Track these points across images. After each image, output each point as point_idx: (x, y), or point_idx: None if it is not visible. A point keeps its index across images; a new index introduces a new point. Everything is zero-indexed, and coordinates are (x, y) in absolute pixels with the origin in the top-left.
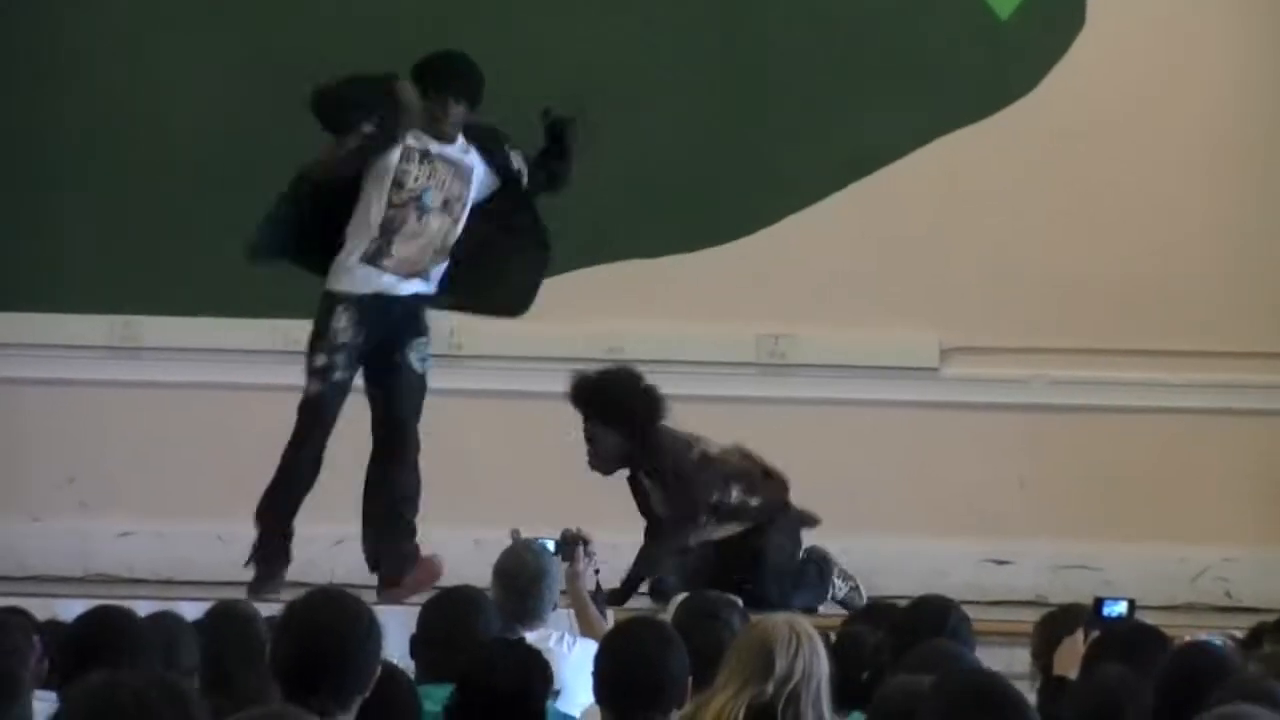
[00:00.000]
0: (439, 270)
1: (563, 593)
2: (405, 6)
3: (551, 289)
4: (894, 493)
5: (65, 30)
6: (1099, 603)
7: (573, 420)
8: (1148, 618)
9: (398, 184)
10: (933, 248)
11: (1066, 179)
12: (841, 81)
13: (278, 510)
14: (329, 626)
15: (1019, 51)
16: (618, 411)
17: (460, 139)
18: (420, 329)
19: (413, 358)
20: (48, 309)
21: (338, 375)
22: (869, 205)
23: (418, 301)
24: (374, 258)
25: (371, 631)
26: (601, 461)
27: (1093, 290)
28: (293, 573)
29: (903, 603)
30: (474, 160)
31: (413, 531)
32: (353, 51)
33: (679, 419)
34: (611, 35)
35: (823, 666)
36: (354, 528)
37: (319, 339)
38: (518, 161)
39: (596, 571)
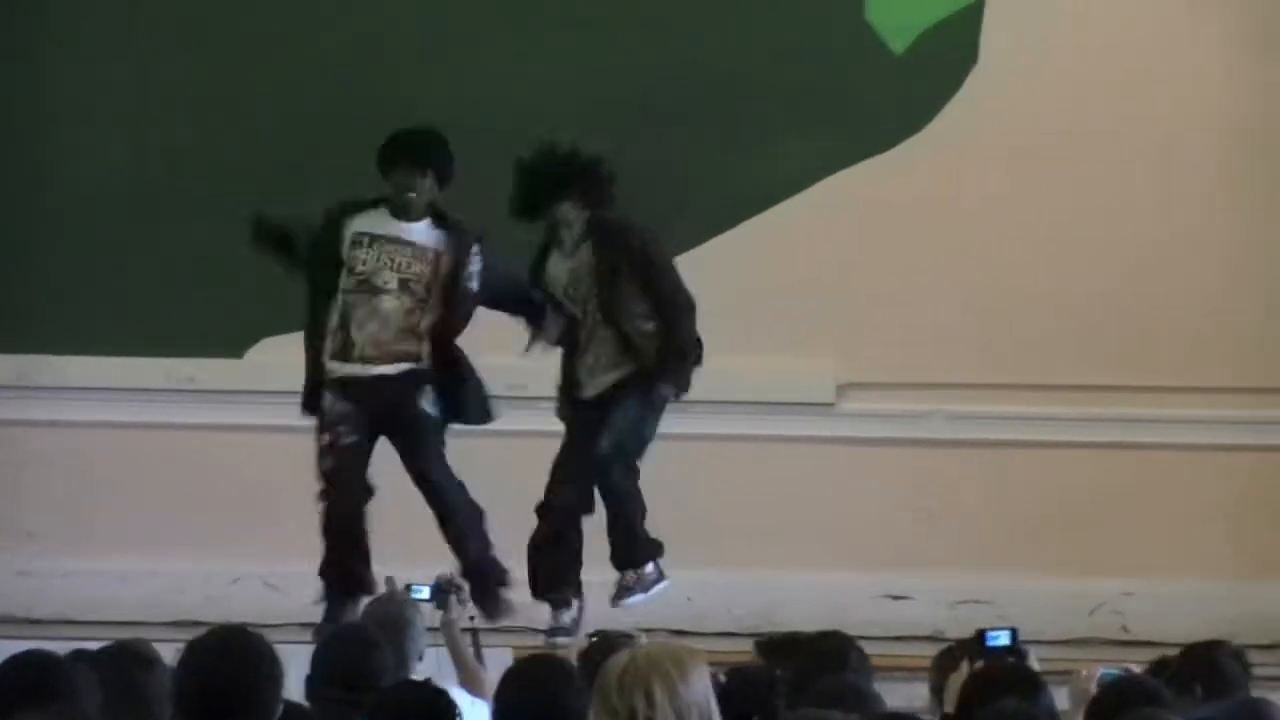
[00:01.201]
0: (412, 358)
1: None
2: (385, 51)
3: None
4: (792, 528)
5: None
6: (981, 634)
7: None
8: (1045, 652)
9: (348, 270)
10: (829, 282)
11: (963, 213)
12: (740, 113)
13: (339, 566)
14: (230, 663)
15: (915, 85)
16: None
17: (428, 220)
18: (420, 382)
19: (424, 403)
20: None
21: (345, 440)
22: (766, 239)
23: (399, 375)
24: (341, 353)
25: (273, 668)
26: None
27: (989, 324)
28: (190, 611)
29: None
30: (441, 243)
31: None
32: (337, 99)
33: None
34: (514, 70)
35: (693, 694)
36: (249, 566)
37: (319, 424)
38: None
39: (472, 618)
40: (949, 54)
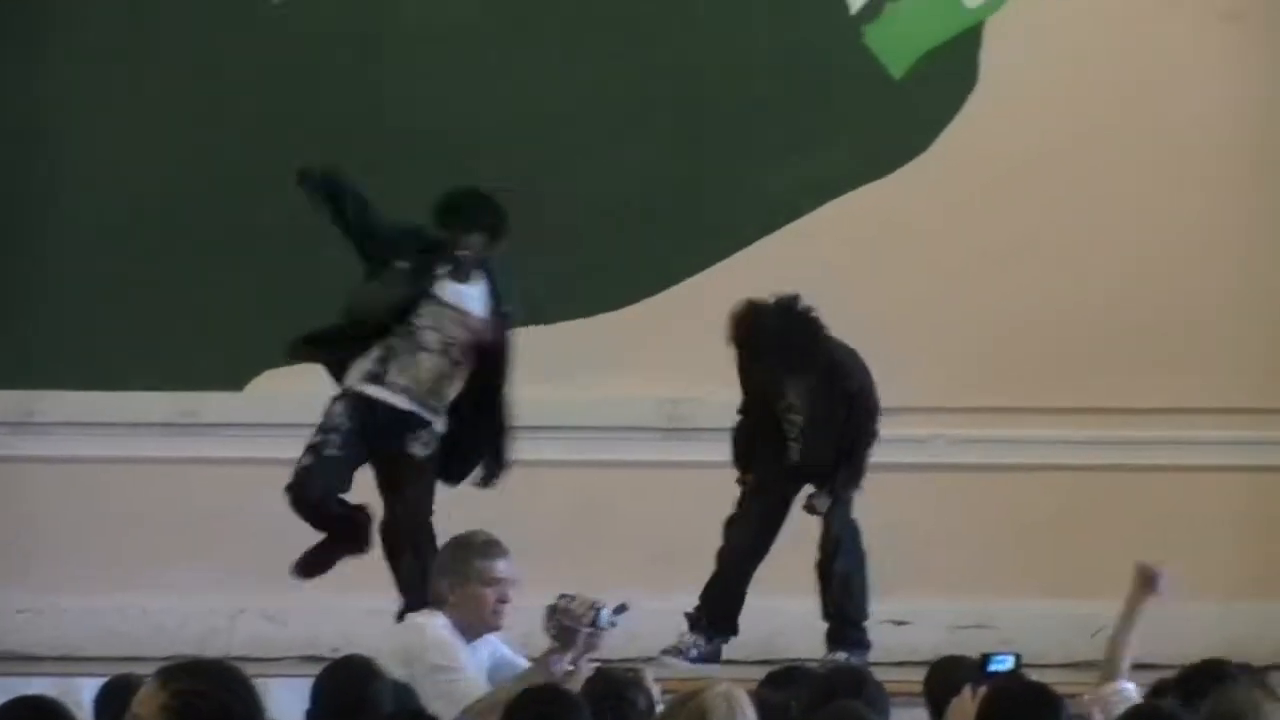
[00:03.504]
0: (432, 411)
1: None
2: (384, 73)
3: None
4: (794, 554)
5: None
6: (985, 659)
7: None
8: (1047, 675)
9: (405, 315)
10: (831, 305)
11: (962, 236)
12: (740, 139)
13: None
14: (205, 694)
15: (914, 110)
16: None
17: (482, 284)
18: (420, 423)
19: (414, 446)
20: None
21: (328, 452)
22: (766, 267)
23: (412, 415)
24: (373, 378)
25: (246, 694)
26: None
27: (990, 348)
28: (191, 645)
29: (809, 665)
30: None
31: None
32: (317, 136)
33: (582, 484)
34: (525, 93)
35: None
36: (250, 599)
37: (320, 425)
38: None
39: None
40: (948, 78)
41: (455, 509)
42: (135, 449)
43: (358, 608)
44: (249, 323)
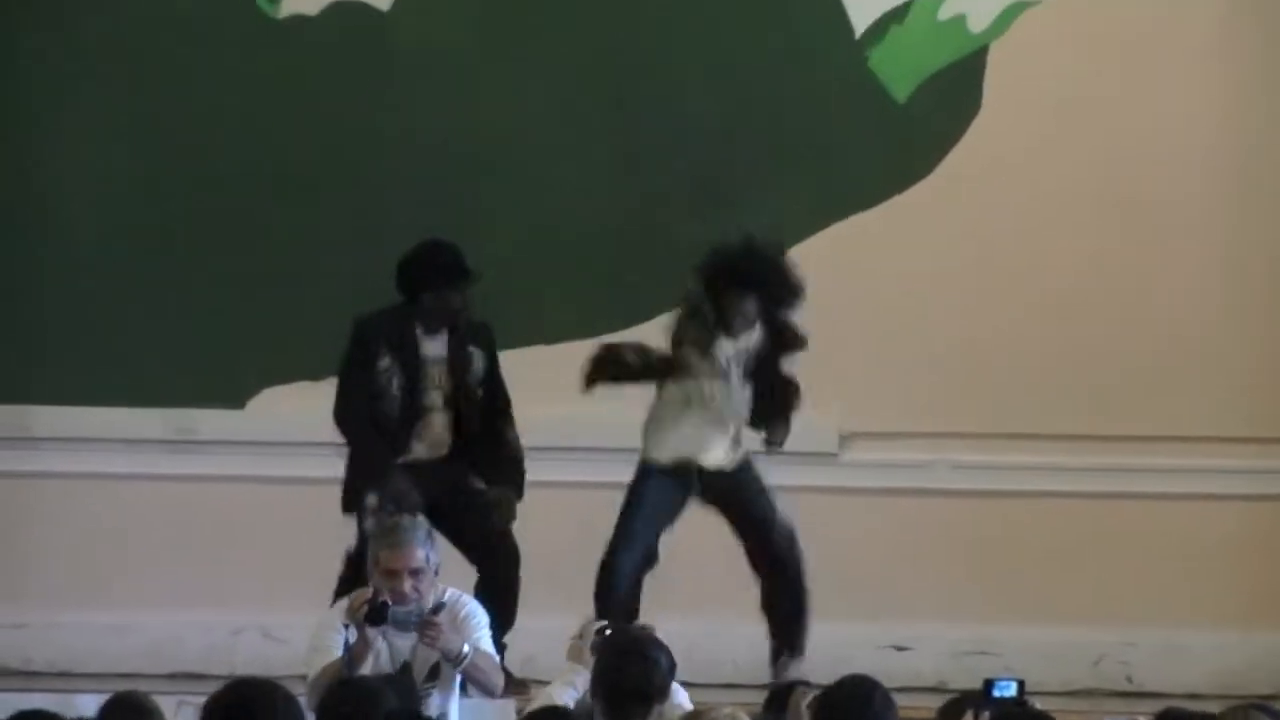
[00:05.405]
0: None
1: None
2: (384, 86)
3: None
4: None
5: None
6: (989, 684)
7: None
8: (1048, 703)
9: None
10: (832, 332)
11: (965, 262)
12: (742, 164)
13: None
14: (249, 710)
15: (917, 134)
16: None
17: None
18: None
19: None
20: None
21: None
22: None
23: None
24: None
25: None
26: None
27: (992, 373)
28: (190, 663)
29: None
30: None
31: None
32: (312, 151)
33: (582, 506)
34: (518, 114)
35: None
36: (249, 617)
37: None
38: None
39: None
40: (952, 102)
41: None
42: (132, 466)
43: None
44: (250, 340)
